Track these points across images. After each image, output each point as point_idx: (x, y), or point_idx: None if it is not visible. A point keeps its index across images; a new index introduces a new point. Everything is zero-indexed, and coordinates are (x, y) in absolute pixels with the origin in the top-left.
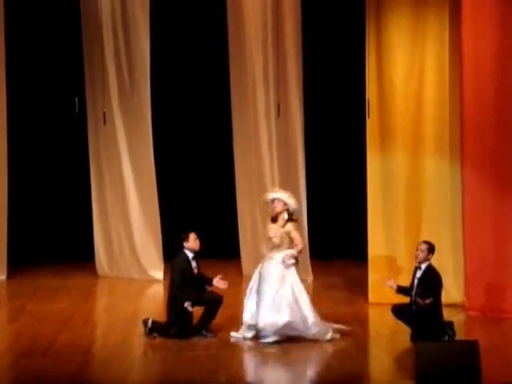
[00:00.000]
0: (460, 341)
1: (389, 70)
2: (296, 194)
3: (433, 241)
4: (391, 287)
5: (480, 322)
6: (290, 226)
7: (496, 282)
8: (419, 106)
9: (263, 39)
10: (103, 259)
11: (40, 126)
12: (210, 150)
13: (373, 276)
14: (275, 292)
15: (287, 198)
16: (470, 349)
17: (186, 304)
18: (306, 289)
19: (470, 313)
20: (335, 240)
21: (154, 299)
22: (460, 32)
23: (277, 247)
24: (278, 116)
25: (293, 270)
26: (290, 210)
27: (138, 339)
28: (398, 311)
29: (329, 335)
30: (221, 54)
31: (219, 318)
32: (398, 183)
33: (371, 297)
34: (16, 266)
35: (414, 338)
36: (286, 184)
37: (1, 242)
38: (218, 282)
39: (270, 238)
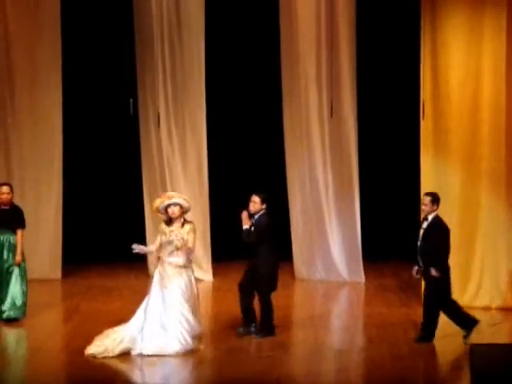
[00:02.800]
0: None
1: (444, 70)
2: (349, 195)
3: (489, 244)
4: (418, 274)
5: None
6: (189, 227)
7: None
8: (475, 108)
9: (316, 38)
10: (153, 259)
11: (94, 128)
12: (262, 150)
13: None
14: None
15: (182, 200)
16: None
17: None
18: (359, 290)
19: None
20: (388, 241)
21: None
22: None
23: (177, 250)
24: (332, 116)
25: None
26: (186, 212)
27: None
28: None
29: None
30: (273, 54)
31: None
32: (452, 186)
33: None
34: (70, 265)
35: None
36: (340, 183)
37: (56, 241)
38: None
39: (170, 242)
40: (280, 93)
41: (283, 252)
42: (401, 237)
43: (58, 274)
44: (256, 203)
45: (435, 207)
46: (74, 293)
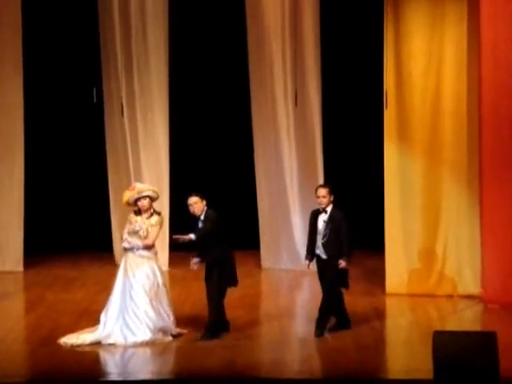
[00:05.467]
0: (478, 332)
1: (407, 60)
2: (314, 183)
3: (451, 232)
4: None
5: (497, 314)
6: (155, 220)
7: None
8: (437, 97)
9: (281, 28)
10: (120, 249)
11: (58, 116)
12: (229, 140)
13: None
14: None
15: (152, 192)
16: (488, 340)
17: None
18: None
19: (487, 305)
20: (352, 230)
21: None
22: (478, 21)
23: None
24: (296, 105)
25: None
26: (154, 200)
27: None
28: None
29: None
30: (239, 43)
31: (238, 309)
32: (415, 174)
33: (388, 287)
34: (33, 256)
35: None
36: (305, 173)
37: (17, 235)
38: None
39: (135, 232)
40: (246, 82)
41: (250, 240)
42: (365, 225)
43: (20, 266)
44: (197, 203)
45: (331, 198)
46: (38, 283)
